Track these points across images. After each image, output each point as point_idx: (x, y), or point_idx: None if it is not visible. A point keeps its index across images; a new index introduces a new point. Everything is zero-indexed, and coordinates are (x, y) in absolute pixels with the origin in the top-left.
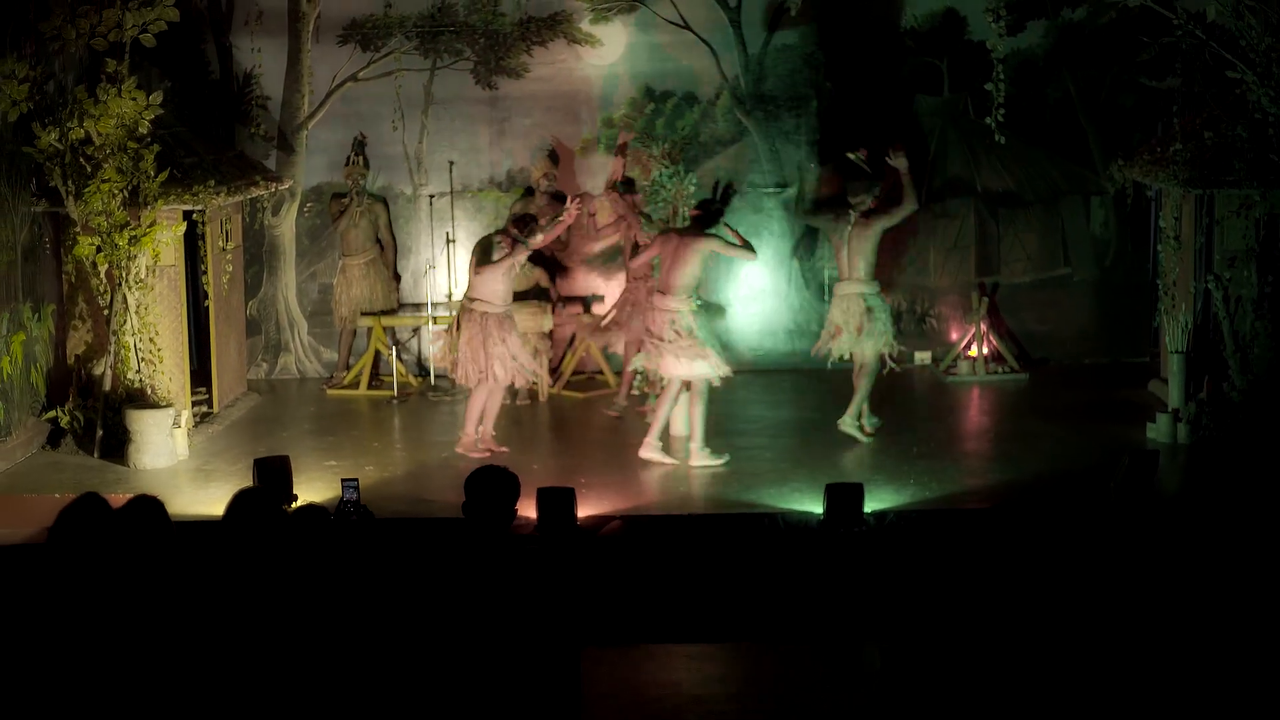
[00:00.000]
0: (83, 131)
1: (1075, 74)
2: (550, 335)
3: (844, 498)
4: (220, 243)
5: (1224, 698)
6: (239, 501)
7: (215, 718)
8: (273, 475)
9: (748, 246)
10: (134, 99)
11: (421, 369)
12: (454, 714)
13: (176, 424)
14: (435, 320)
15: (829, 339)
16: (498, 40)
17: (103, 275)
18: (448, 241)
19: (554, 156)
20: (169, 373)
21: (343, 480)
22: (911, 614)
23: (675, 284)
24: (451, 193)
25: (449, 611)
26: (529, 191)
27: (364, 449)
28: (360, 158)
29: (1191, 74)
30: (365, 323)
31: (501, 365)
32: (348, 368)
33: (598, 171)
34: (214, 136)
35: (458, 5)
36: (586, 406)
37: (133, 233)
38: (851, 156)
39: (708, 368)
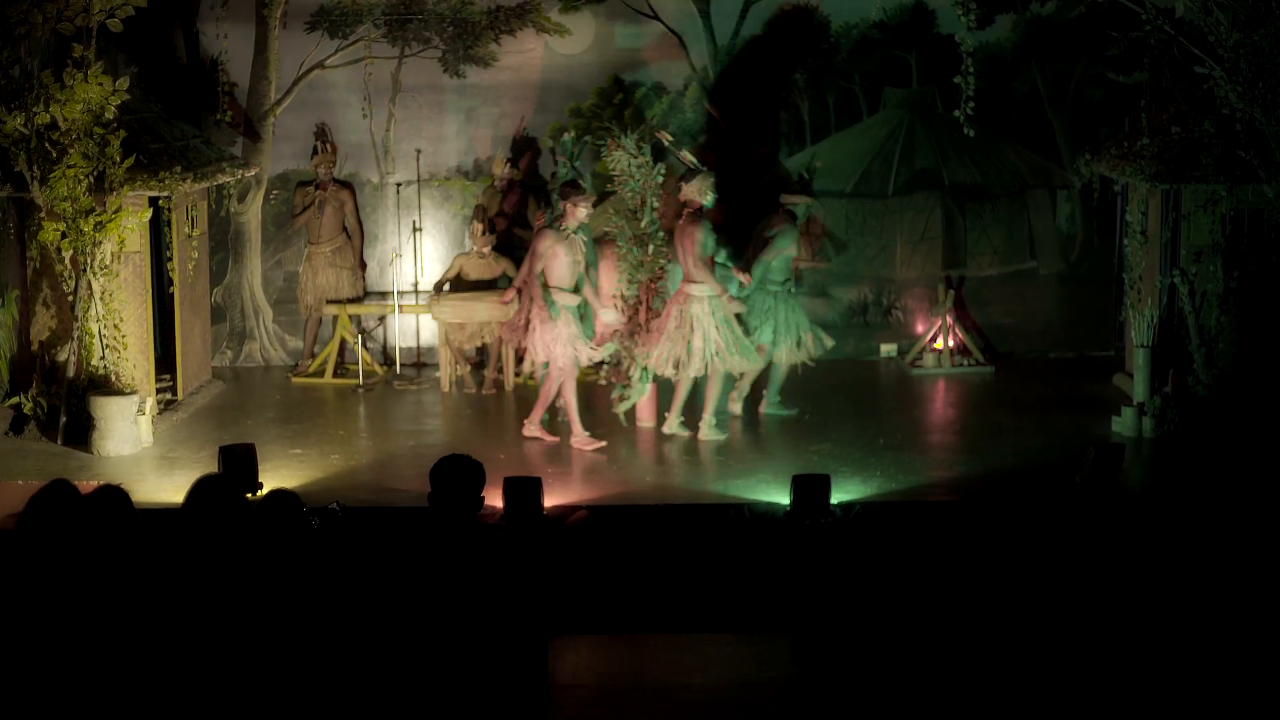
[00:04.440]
0: (49, 116)
1: (1043, 68)
2: None
3: (810, 489)
4: (186, 229)
5: (1188, 690)
6: (200, 488)
7: (183, 702)
8: (238, 463)
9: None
10: (100, 84)
11: (387, 358)
12: (422, 703)
13: (141, 411)
14: (401, 309)
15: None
16: (466, 29)
17: (67, 261)
18: (414, 230)
19: (516, 149)
20: (133, 359)
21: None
22: (877, 605)
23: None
24: (419, 181)
25: (416, 601)
26: (495, 182)
27: (329, 437)
28: (328, 145)
29: (1159, 69)
30: (330, 311)
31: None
32: (313, 356)
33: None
34: (180, 123)
35: None
36: None
37: (98, 219)
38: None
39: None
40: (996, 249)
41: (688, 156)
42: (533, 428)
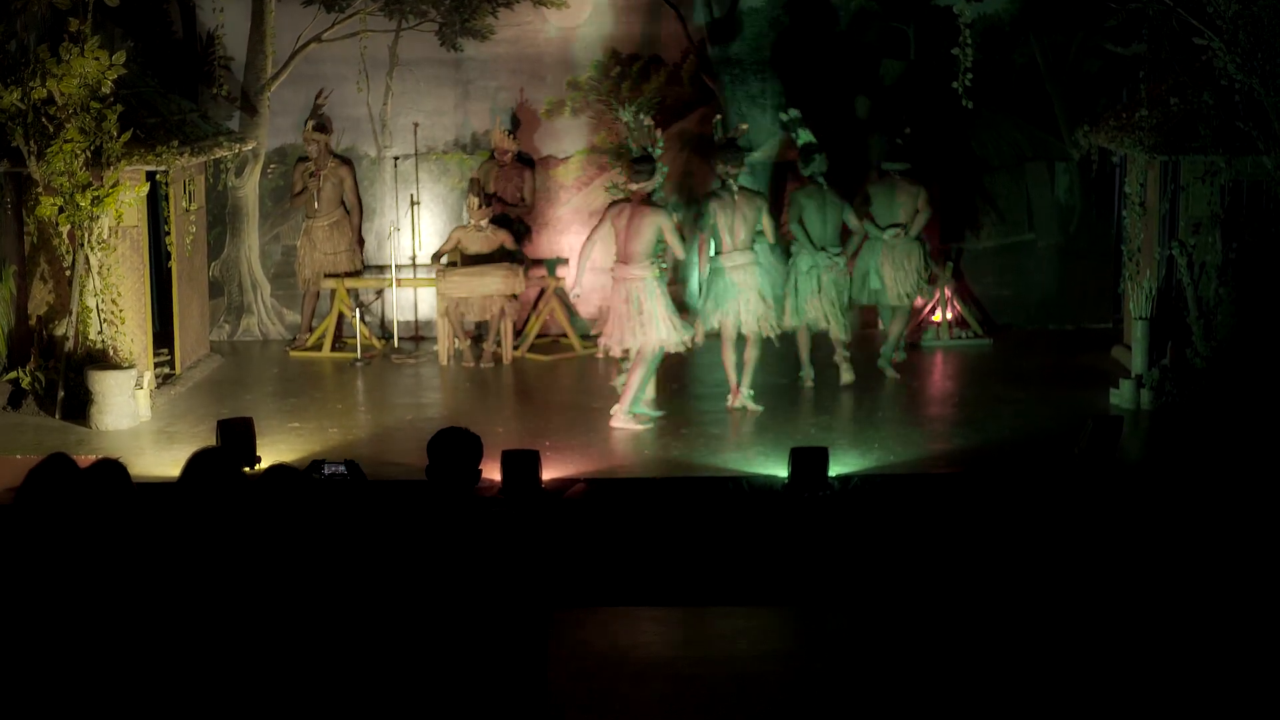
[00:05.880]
0: (45, 91)
1: (1041, 39)
2: (516, 298)
3: (809, 461)
4: (183, 204)
5: (1185, 662)
6: (197, 462)
7: (180, 674)
8: (236, 437)
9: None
10: (97, 58)
11: (385, 331)
12: (420, 677)
13: (139, 385)
14: (399, 282)
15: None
16: (463, 2)
17: (65, 236)
18: (412, 204)
19: (514, 121)
20: (131, 334)
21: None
22: (875, 578)
23: (634, 253)
24: (416, 155)
25: (414, 574)
26: (494, 155)
27: (327, 411)
28: (316, 125)
29: (1158, 40)
30: (328, 285)
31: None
32: (311, 330)
33: (562, 135)
34: (177, 97)
35: None
36: (550, 369)
37: (95, 193)
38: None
39: (663, 335)
40: (995, 221)
41: (647, 138)
42: (740, 396)
